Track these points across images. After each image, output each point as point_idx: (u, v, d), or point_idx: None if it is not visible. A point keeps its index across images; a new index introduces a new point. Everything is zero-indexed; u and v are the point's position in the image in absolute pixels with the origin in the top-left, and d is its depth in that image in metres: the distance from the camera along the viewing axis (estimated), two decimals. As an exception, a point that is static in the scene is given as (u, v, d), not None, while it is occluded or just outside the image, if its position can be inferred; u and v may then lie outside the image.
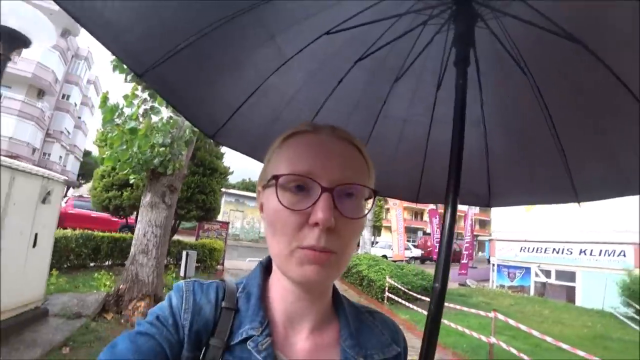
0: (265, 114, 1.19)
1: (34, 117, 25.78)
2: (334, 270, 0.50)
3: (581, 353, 4.21)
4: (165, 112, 5.35)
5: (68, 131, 32.93)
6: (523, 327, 5.05)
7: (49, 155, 29.51)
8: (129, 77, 5.10)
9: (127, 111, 5.14)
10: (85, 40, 40.90)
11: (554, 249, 12.90)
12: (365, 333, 0.59)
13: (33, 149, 26.32)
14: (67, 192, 39.15)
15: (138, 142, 4.81)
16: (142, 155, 4.98)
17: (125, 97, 5.23)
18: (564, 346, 4.50)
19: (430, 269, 17.74)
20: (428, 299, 4.32)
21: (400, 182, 1.48)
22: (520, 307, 10.23)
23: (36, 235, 4.41)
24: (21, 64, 24.27)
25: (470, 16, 0.90)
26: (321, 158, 0.51)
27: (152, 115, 5.18)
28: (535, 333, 4.85)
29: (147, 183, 5.58)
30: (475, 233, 20.32)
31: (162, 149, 5.17)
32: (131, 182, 5.86)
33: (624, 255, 11.19)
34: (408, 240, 32.92)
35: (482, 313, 5.82)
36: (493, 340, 5.14)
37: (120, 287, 5.27)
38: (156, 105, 5.17)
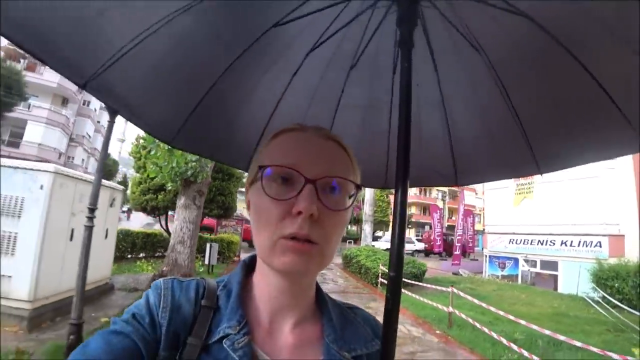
0: (221, 114, 1.17)
1: (60, 124, 27.93)
2: (317, 261, 0.50)
3: (523, 322, 5.22)
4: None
5: (89, 135, 35.27)
6: (476, 302, 6.49)
7: (73, 158, 31.79)
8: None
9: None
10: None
11: (539, 241, 14.17)
12: (348, 329, 0.60)
13: (59, 154, 28.51)
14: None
15: (176, 159, 6.43)
16: (178, 168, 6.61)
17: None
18: (521, 321, 5.29)
19: (431, 261, 19.15)
20: (418, 284, 6.21)
21: (367, 170, 1.77)
22: (501, 292, 11.59)
23: (107, 230, 6.09)
24: (46, 74, 26.38)
25: None
26: (306, 152, 0.52)
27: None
28: (492, 309, 6.19)
29: (181, 189, 7.23)
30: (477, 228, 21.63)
31: (193, 163, 6.79)
32: (168, 188, 7.53)
33: (600, 246, 12.42)
34: (416, 235, 34.19)
35: (446, 290, 7.29)
36: (451, 309, 6.63)
37: (164, 269, 6.95)
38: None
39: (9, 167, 4.52)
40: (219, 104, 1.11)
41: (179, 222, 7.14)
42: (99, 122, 37.43)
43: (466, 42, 0.99)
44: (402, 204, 0.74)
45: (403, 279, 4.43)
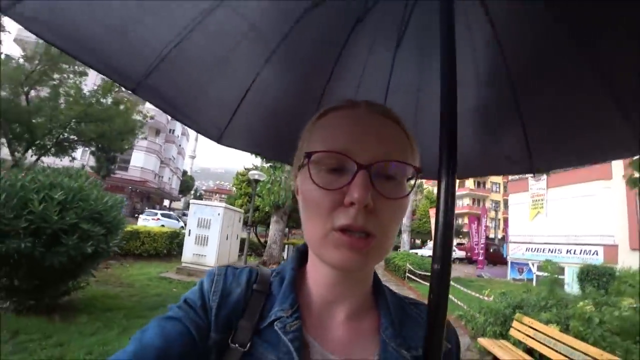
0: (266, 109, 1.15)
1: (155, 151, 35.65)
2: (374, 256, 0.48)
3: (487, 299, 9.31)
4: (283, 174, 11.93)
5: (173, 157, 43.36)
6: (466, 290, 10.51)
7: (162, 177, 39.70)
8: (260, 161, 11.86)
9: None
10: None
11: (549, 249, 17.13)
12: (408, 325, 0.56)
13: (155, 174, 36.25)
14: (170, 204, 49.74)
15: (273, 195, 11.45)
16: (274, 200, 11.62)
17: (265, 170, 11.98)
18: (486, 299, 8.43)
19: (467, 267, 22.28)
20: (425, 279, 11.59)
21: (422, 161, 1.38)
22: (517, 294, 15.08)
23: (237, 235, 11.28)
24: (144, 110, 34.23)
25: None
26: (357, 134, 0.48)
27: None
28: (468, 291, 10.13)
29: (273, 211, 12.26)
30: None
31: (282, 195, 11.77)
32: (266, 210, 12.65)
33: (597, 254, 15.27)
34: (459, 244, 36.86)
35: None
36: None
37: (264, 259, 11.98)
38: (277, 175, 11.82)
39: (204, 204, 9.80)
40: (263, 98, 1.09)
41: (273, 230, 12.18)
42: (180, 145, 45.60)
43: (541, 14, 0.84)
44: (446, 193, 0.58)
45: (419, 272, 12.69)
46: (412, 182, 0.51)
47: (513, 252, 19.17)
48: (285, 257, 14.26)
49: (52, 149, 8.46)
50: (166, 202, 44.59)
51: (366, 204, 0.44)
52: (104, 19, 0.77)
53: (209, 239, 9.58)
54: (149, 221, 19.46)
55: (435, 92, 0.74)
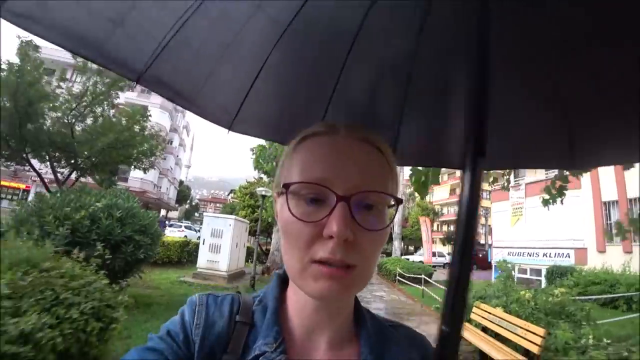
0: (279, 93, 1.12)
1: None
2: (354, 286, 0.48)
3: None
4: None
5: (171, 168, 44.55)
6: (440, 285, 11.99)
7: (161, 187, 40.83)
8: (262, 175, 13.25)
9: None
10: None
11: (528, 253, 18.71)
12: (389, 350, 0.56)
13: (154, 185, 37.40)
14: (167, 214, 50.73)
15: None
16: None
17: (267, 184, 13.38)
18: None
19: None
20: (425, 277, 12.86)
21: (444, 148, 1.19)
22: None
23: (244, 244, 12.65)
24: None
25: None
26: (337, 163, 0.48)
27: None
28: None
29: (275, 221, 13.71)
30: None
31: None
32: (269, 220, 14.03)
33: (569, 257, 16.89)
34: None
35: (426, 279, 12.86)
36: (423, 287, 12.23)
37: (268, 264, 13.34)
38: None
39: (217, 216, 11.20)
40: (273, 83, 1.05)
41: (275, 239, 13.55)
42: (177, 156, 46.81)
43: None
44: (471, 199, 0.50)
45: (408, 275, 15.32)
46: (393, 210, 0.51)
47: (496, 256, 20.72)
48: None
49: (89, 170, 9.92)
50: (163, 212, 45.58)
51: (345, 238, 0.43)
52: (100, 10, 0.75)
53: (222, 247, 10.93)
54: (175, 232, 22.66)
55: (463, 77, 0.72)
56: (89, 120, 10.13)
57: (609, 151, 1.02)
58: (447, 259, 32.13)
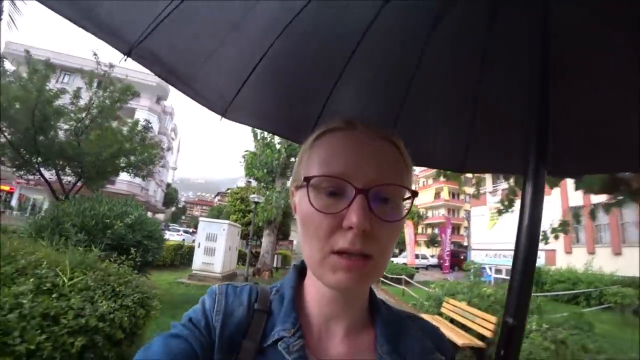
0: (277, 85, 1.10)
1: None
2: (370, 276, 0.50)
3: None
4: (274, 194, 14.17)
5: (159, 170, 44.63)
6: (420, 285, 12.97)
7: (148, 190, 40.97)
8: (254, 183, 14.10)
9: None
10: (170, 99, 54.32)
11: (503, 255, 19.99)
12: (404, 339, 0.58)
13: (141, 188, 37.60)
14: (153, 216, 50.64)
15: (267, 213, 13.63)
16: (268, 216, 13.81)
17: (257, 189, 14.20)
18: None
19: (437, 273, 24.99)
20: (406, 278, 13.72)
21: (441, 150, 1.26)
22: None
23: (237, 248, 13.41)
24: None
25: None
26: (355, 157, 0.50)
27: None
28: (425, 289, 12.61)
29: (265, 225, 14.45)
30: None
31: (274, 212, 13.97)
32: (260, 224, 14.84)
33: (540, 258, 18.22)
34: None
35: (406, 279, 13.84)
36: (404, 287, 13.22)
37: (259, 266, 14.12)
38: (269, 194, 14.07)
39: (212, 221, 11.95)
40: (274, 72, 1.02)
41: (265, 242, 14.38)
42: (165, 158, 46.99)
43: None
44: (533, 205, 0.55)
45: (391, 276, 15.19)
46: (408, 203, 0.53)
47: (475, 258, 21.99)
48: (275, 264, 16.44)
49: (92, 178, 10.64)
50: (150, 215, 45.58)
51: (364, 229, 0.46)
52: None
53: (216, 250, 11.67)
54: (174, 236, 23.85)
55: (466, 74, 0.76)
56: (90, 129, 10.84)
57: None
58: (430, 261, 33.43)
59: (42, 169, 9.89)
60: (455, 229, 48.20)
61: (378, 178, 0.49)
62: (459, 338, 5.79)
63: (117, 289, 3.27)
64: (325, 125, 0.56)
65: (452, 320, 7.02)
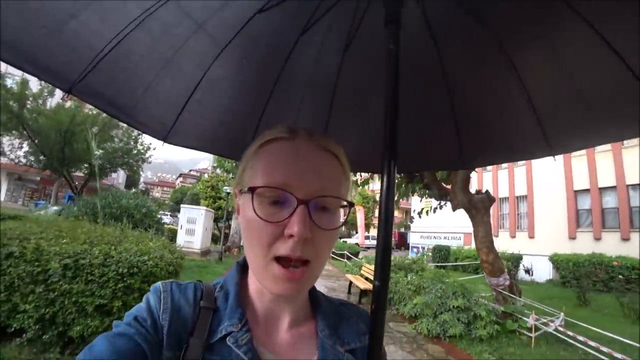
0: (214, 108, 1.18)
1: (108, 148, 38.26)
2: (308, 282, 0.56)
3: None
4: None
5: (122, 153, 45.64)
6: (356, 259, 16.75)
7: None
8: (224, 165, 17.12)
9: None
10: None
11: (434, 236, 24.54)
12: (341, 324, 0.65)
13: (107, 170, 38.86)
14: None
15: (236, 200, 16.81)
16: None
17: (227, 179, 17.23)
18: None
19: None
20: (350, 255, 17.95)
21: (364, 154, 1.40)
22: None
23: (211, 229, 16.50)
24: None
25: None
26: (297, 169, 0.53)
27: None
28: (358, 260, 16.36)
29: (234, 210, 17.58)
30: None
31: (242, 200, 17.15)
32: (230, 210, 17.92)
33: (460, 239, 22.82)
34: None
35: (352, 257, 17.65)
36: (346, 261, 17.02)
37: (229, 244, 17.30)
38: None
39: (192, 208, 14.99)
40: (210, 97, 1.11)
41: (234, 225, 17.53)
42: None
43: (471, 19, 0.96)
44: (387, 196, 0.69)
45: (345, 252, 19.83)
46: (345, 209, 0.58)
47: (413, 239, 26.48)
48: (242, 243, 19.64)
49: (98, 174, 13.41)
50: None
51: (305, 237, 0.50)
52: (36, 17, 0.74)
53: (195, 230, 14.71)
54: (165, 220, 26.77)
55: (380, 95, 0.79)
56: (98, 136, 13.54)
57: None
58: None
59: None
60: (406, 212, 53.59)
61: (319, 189, 0.53)
62: (363, 284, 9.46)
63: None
64: (269, 132, 0.59)
65: (367, 279, 10.73)
